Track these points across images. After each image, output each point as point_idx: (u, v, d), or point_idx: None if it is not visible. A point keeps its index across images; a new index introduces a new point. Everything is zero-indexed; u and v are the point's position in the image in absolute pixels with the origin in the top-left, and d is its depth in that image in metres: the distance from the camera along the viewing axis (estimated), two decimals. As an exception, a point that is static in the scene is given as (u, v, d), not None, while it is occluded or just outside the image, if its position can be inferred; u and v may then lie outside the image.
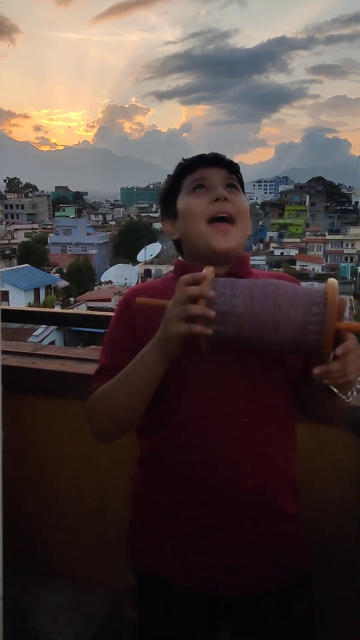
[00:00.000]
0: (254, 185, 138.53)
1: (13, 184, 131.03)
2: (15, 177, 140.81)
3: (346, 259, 49.14)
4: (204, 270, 0.95)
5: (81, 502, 1.96)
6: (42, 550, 2.03)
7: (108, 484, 1.89)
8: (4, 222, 71.85)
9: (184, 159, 1.19)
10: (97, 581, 1.99)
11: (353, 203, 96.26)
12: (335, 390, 0.97)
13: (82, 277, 38.96)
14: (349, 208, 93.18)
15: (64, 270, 40.29)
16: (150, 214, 78.53)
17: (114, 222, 79.23)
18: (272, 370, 1.08)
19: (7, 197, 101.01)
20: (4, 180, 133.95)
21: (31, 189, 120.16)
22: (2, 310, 1.86)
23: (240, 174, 1.18)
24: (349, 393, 0.98)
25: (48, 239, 53.68)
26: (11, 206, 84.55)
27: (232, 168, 1.16)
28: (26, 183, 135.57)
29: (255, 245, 53.81)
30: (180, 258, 1.20)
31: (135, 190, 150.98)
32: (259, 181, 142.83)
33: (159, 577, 1.15)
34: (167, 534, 1.13)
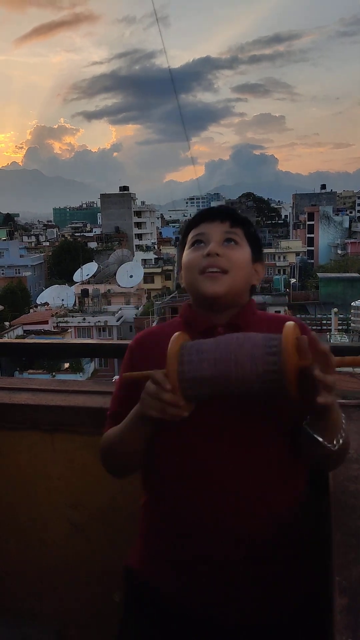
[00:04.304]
0: (186, 203, 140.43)
1: None
2: None
3: (279, 271, 50.58)
4: (173, 337, 1.05)
5: (20, 532, 1.93)
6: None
7: (48, 514, 1.88)
8: None
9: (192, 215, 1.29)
10: (42, 613, 1.96)
11: (283, 217, 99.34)
12: (320, 438, 1.04)
13: (17, 300, 38.09)
14: (279, 222, 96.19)
15: (-3, 294, 39.24)
16: (85, 234, 77.72)
17: (47, 243, 77.96)
18: (260, 421, 1.12)
19: None
20: None
21: None
22: None
23: (247, 225, 1.23)
24: (334, 441, 1.05)
25: (-21, 262, 52.23)
26: None
27: (235, 221, 1.21)
28: None
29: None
30: (189, 303, 1.28)
31: (68, 210, 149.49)
32: (191, 198, 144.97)
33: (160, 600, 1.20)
34: (166, 554, 1.20)
